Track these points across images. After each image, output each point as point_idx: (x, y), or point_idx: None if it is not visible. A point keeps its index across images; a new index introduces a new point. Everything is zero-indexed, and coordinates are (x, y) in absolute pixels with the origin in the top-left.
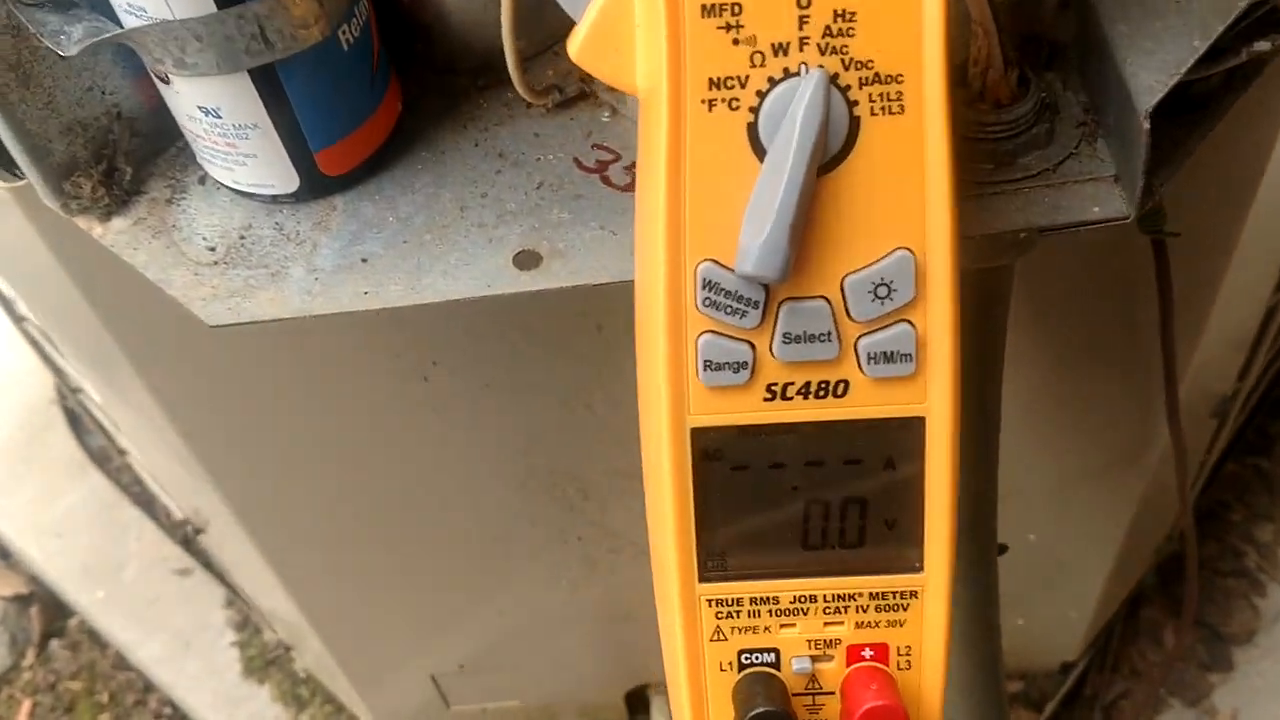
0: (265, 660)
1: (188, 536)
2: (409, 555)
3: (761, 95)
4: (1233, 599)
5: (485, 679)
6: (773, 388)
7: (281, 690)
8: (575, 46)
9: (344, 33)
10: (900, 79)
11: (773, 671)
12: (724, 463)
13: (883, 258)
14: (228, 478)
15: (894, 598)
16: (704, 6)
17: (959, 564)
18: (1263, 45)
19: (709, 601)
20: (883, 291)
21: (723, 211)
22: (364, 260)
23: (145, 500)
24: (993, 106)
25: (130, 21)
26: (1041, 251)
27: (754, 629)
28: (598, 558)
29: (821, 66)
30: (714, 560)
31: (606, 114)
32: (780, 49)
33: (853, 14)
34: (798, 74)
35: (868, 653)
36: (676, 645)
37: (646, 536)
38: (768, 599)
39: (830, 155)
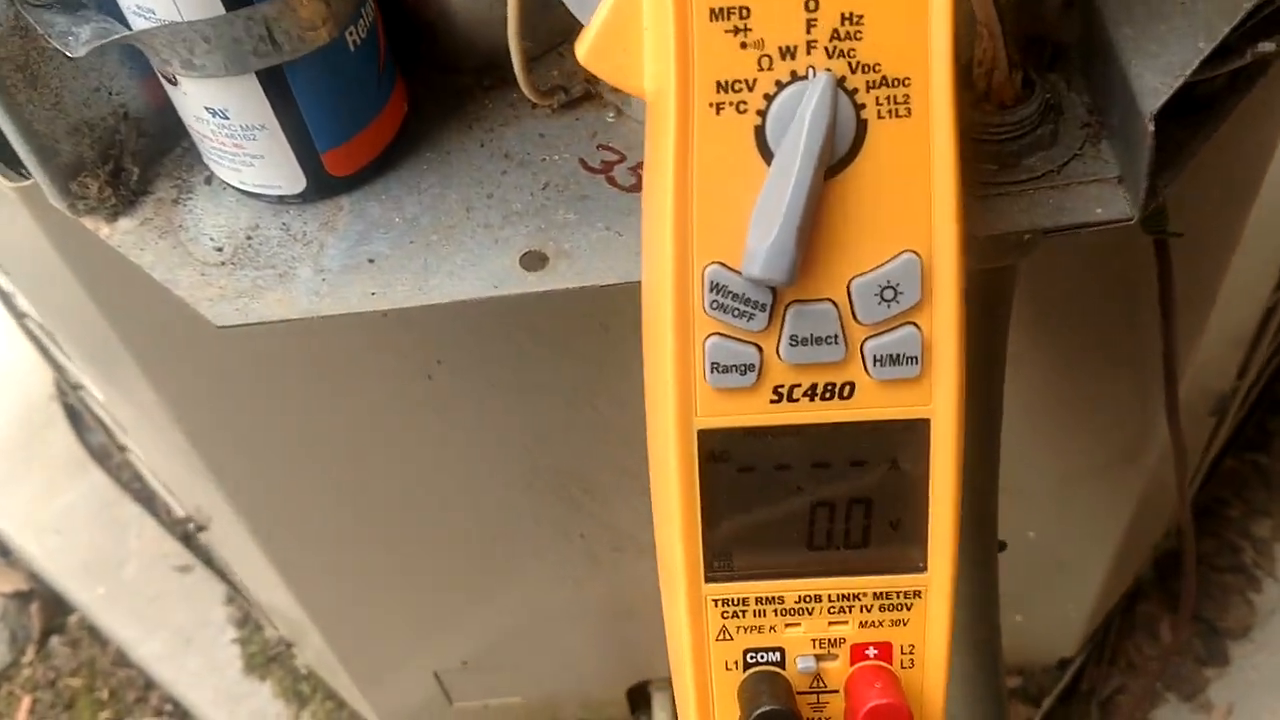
0: (266, 657)
1: (188, 533)
2: (412, 553)
3: (769, 98)
4: (1229, 594)
5: (488, 675)
6: (779, 390)
7: (283, 687)
8: (584, 50)
9: (351, 34)
10: (907, 82)
11: (778, 670)
12: (730, 464)
13: (889, 261)
14: (231, 476)
15: (898, 597)
16: (712, 10)
17: (960, 562)
18: (1268, 46)
19: (715, 601)
20: (889, 294)
21: (730, 214)
22: (371, 261)
23: (145, 497)
24: (997, 108)
25: (138, 23)
26: (1043, 250)
27: (759, 628)
28: (601, 555)
29: (829, 70)
30: (720, 560)
31: (611, 114)
32: (788, 52)
33: (860, 17)
34: (805, 77)
35: (872, 651)
36: (683, 644)
37: (649, 534)
38: (773, 599)
39: (837, 158)
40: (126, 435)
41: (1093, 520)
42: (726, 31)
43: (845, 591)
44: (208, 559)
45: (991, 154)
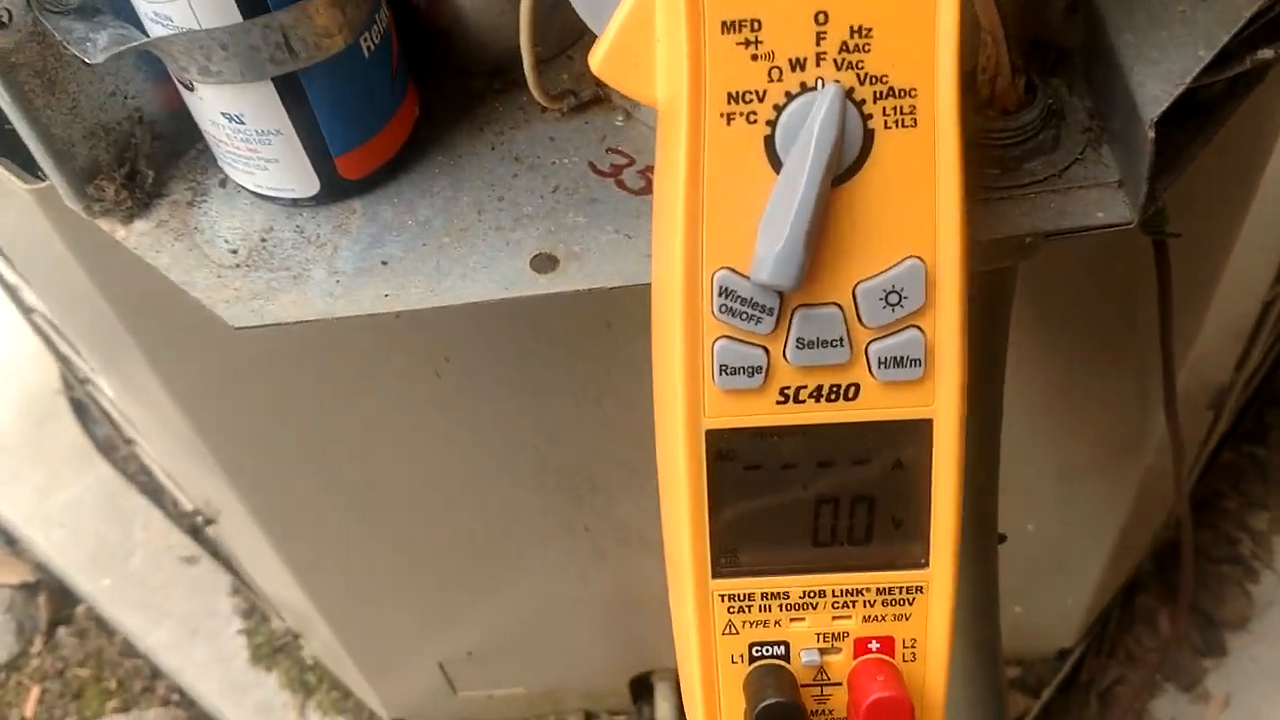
0: (273, 647)
1: (195, 525)
2: (419, 547)
3: (779, 109)
4: (1227, 585)
5: (492, 665)
6: (785, 391)
7: (289, 677)
8: (597, 60)
9: (365, 40)
10: (914, 93)
11: (783, 664)
12: (737, 463)
13: (894, 266)
14: (241, 471)
15: (900, 592)
16: (724, 23)
17: (960, 556)
18: (1267, 53)
19: (721, 596)
20: (894, 299)
21: (739, 221)
22: (384, 263)
23: (152, 489)
24: (1000, 113)
25: (156, 30)
26: (1043, 251)
27: (765, 623)
28: (606, 548)
29: (837, 81)
30: (726, 556)
31: (620, 118)
32: (798, 64)
33: (869, 30)
34: (814, 88)
35: (874, 645)
36: (689, 638)
37: (653, 529)
38: (778, 594)
39: (844, 167)
40: (135, 430)
41: (1092, 513)
42: (738, 44)
43: (849, 587)
44: (214, 550)
45: (994, 158)
